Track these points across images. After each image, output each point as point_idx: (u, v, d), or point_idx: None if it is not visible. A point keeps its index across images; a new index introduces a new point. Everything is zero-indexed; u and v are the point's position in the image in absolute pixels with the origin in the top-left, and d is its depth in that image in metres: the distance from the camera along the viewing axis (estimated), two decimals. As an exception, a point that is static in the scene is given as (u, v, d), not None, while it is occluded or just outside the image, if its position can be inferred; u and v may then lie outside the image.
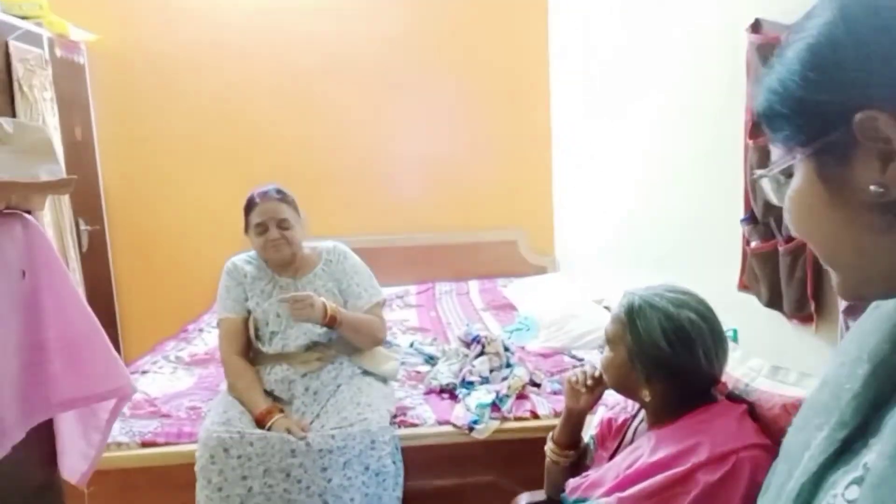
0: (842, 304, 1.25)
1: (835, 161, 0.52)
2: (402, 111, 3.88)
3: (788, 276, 1.52)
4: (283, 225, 1.94)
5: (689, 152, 2.13)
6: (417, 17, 3.79)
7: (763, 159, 1.57)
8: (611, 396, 1.62)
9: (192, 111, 3.73)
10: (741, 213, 1.72)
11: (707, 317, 1.20)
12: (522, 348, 2.60)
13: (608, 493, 1.16)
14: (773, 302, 1.62)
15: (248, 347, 2.00)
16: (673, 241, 2.30)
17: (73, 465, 1.37)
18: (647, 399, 1.20)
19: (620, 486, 1.15)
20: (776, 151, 0.58)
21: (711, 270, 1.99)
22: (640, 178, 2.61)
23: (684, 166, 2.17)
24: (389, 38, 3.79)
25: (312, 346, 1.96)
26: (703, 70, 2.04)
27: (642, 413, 1.34)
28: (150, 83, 3.69)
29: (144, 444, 1.92)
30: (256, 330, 1.98)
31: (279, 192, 1.98)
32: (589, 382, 1.33)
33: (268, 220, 1.93)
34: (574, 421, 1.39)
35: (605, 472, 1.21)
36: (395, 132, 3.89)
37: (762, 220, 1.61)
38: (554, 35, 3.83)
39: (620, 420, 1.36)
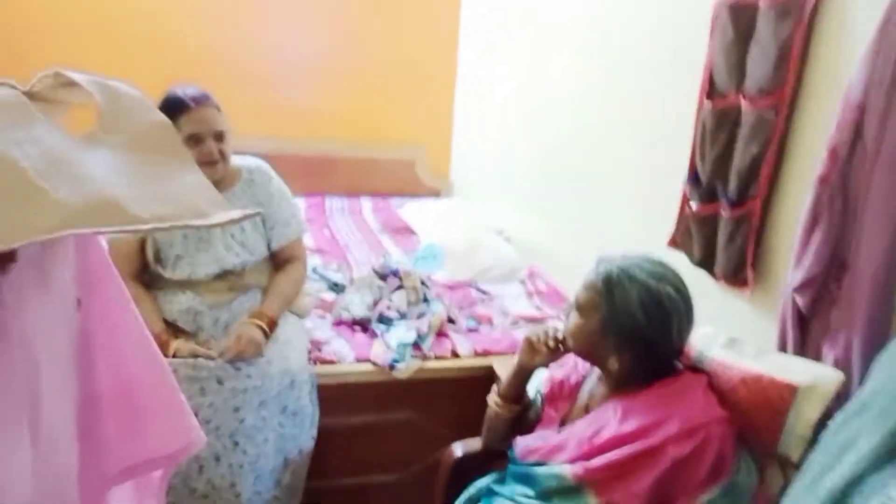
0: (792, 280, 1.30)
1: None
2: (295, 7, 3.50)
3: (727, 241, 1.57)
4: (220, 138, 1.67)
5: (634, 99, 2.09)
6: None
7: (719, 122, 1.57)
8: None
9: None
10: (683, 171, 1.73)
11: (683, 292, 1.20)
12: (429, 278, 2.54)
13: (572, 461, 1.16)
14: (705, 263, 1.67)
15: (143, 272, 1.74)
16: (599, 188, 2.29)
17: None
18: (615, 367, 1.20)
19: (586, 455, 1.15)
20: None
21: (638, 223, 2.03)
22: (566, 113, 2.55)
23: (626, 112, 2.12)
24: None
25: (223, 275, 1.74)
26: (658, 21, 1.98)
27: (594, 375, 1.34)
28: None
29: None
30: (157, 251, 1.72)
31: (210, 96, 1.68)
32: (551, 343, 1.30)
33: (204, 131, 1.64)
34: (524, 376, 1.37)
35: (567, 438, 1.20)
36: (287, 29, 3.51)
37: (707, 183, 1.63)
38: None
39: (572, 380, 1.36)
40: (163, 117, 0.73)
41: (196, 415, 1.53)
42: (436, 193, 3.87)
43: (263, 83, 3.54)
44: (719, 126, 1.57)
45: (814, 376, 1.12)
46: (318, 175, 3.67)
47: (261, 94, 3.54)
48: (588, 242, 2.35)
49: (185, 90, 1.67)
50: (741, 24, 1.50)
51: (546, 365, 1.35)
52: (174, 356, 1.59)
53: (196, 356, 1.60)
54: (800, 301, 1.29)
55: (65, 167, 0.58)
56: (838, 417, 0.72)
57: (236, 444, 1.60)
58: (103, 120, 0.66)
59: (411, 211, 3.45)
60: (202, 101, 1.66)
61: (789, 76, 1.39)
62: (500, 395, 1.40)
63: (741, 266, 1.54)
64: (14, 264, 0.67)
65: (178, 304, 1.70)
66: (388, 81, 3.72)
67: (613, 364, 1.19)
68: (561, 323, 1.37)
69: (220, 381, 1.58)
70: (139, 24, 3.28)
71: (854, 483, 0.62)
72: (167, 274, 1.71)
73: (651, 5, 2.00)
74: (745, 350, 1.24)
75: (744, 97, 1.50)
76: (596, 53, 2.31)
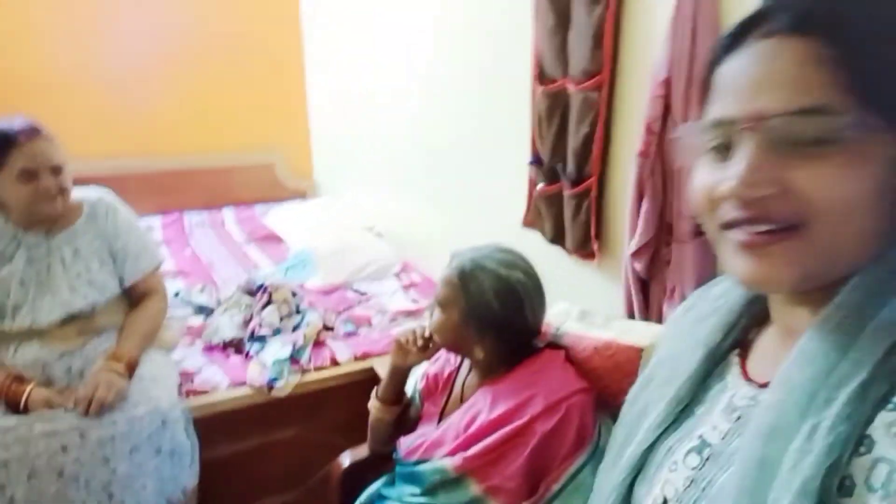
0: (629, 248, 1.40)
1: None
2: (139, 16, 3.28)
3: (573, 217, 1.66)
4: (57, 171, 1.54)
5: (478, 86, 2.15)
6: None
7: (551, 106, 1.65)
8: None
9: None
10: (528, 156, 1.81)
11: (532, 275, 1.26)
12: (301, 287, 2.49)
13: (452, 453, 1.20)
14: (557, 239, 1.76)
15: None
16: (455, 174, 2.35)
17: None
18: (480, 356, 1.24)
19: (464, 445, 1.19)
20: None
21: (495, 205, 2.10)
22: (416, 105, 2.58)
23: (472, 99, 2.18)
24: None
25: (70, 319, 1.62)
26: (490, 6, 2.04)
27: (466, 365, 1.38)
28: None
29: None
30: None
31: (41, 128, 1.54)
32: (419, 343, 1.33)
33: (39, 167, 1.51)
34: (399, 377, 1.39)
35: (445, 432, 1.24)
36: (131, 39, 3.29)
37: (548, 163, 1.71)
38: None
39: (446, 374, 1.39)
40: None
41: (61, 474, 1.45)
42: (301, 195, 3.80)
43: (97, 100, 3.30)
44: (552, 109, 1.66)
45: (653, 336, 1.22)
46: (173, 191, 3.50)
47: (96, 112, 3.30)
48: (454, 229, 2.41)
49: (12, 123, 1.53)
50: (559, 10, 1.58)
51: (419, 363, 1.38)
52: (25, 407, 1.47)
53: (51, 406, 1.49)
54: (637, 266, 1.40)
55: None
56: (633, 389, 0.77)
57: (111, 496, 1.50)
58: None
59: (276, 216, 3.36)
60: (32, 133, 1.53)
61: (605, 58, 1.48)
62: (378, 398, 1.42)
63: (587, 239, 1.64)
64: None
65: (22, 357, 1.56)
66: (234, 84, 3.59)
67: (479, 353, 1.24)
68: (427, 320, 1.40)
69: (82, 435, 1.47)
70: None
71: (648, 450, 0.67)
72: (6, 325, 1.56)
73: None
74: (595, 320, 1.32)
75: (570, 80, 1.58)
76: (441, 41, 2.35)
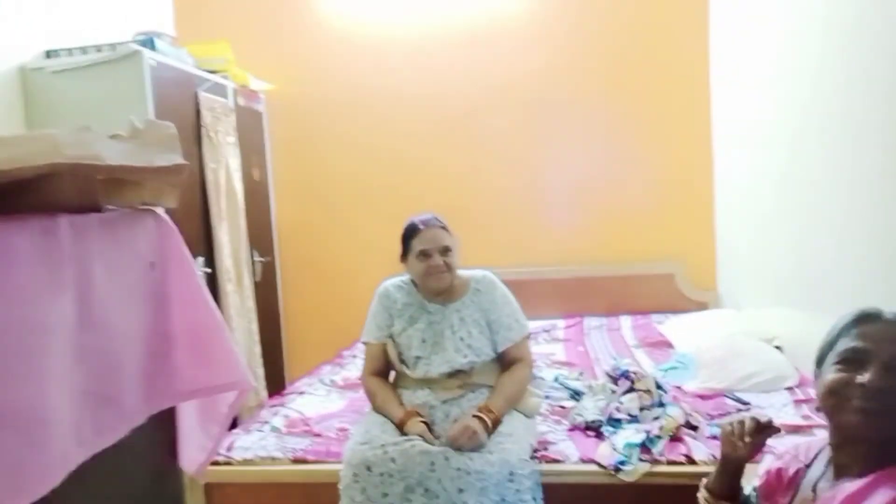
0: None
1: None
2: (555, 141, 3.86)
3: None
4: (445, 252, 1.98)
5: (871, 166, 1.87)
6: (573, 43, 3.78)
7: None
8: (781, 444, 1.44)
9: (357, 150, 3.99)
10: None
11: None
12: (678, 388, 2.40)
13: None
14: None
15: (387, 371, 2.07)
16: (857, 273, 2.02)
17: (192, 455, 1.42)
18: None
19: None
20: None
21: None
22: (812, 205, 2.35)
23: (864, 185, 1.91)
24: (544, 67, 3.80)
25: (454, 374, 1.96)
26: (875, 69, 1.80)
27: (819, 462, 1.16)
28: (320, 126, 4.01)
29: (296, 461, 2.01)
30: (399, 354, 2.02)
31: (438, 219, 2.04)
32: (747, 439, 1.19)
33: (432, 248, 1.97)
34: (731, 469, 1.25)
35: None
36: (548, 162, 3.89)
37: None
38: (715, 57, 3.62)
39: (792, 471, 1.19)
40: (173, 132, 1.22)
41: (426, 490, 1.69)
42: (703, 307, 3.67)
43: (530, 215, 3.89)
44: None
45: None
46: (577, 297, 3.82)
47: (527, 225, 3.89)
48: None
49: (419, 216, 2.04)
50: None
51: (752, 455, 1.22)
52: (406, 432, 1.82)
53: (422, 436, 1.79)
54: None
55: (87, 138, 1.01)
56: None
57: (461, 525, 1.69)
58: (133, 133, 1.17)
59: (672, 325, 3.33)
60: (428, 223, 2.01)
61: None
62: (707, 488, 1.29)
63: None
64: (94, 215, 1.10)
65: (417, 399, 1.95)
66: (644, 200, 3.79)
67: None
68: (751, 414, 1.24)
69: (446, 458, 1.71)
70: (429, 163, 3.95)
71: None
72: (409, 372, 1.98)
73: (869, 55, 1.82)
74: None
75: None
76: (831, 138, 2.13)
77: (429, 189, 3.89)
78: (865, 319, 1.10)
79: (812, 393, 2.22)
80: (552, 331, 3.50)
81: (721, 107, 3.57)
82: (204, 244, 3.09)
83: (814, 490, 1.13)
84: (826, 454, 1.15)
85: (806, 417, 2.06)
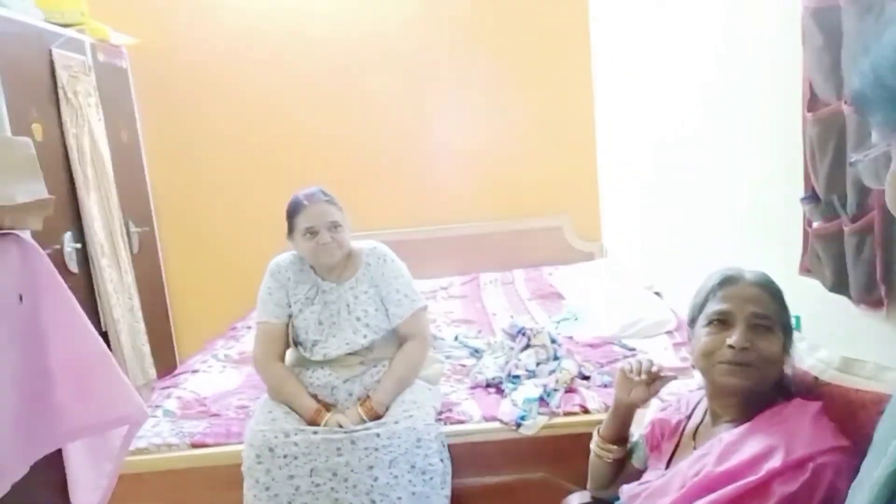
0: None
1: None
2: (440, 100, 3.83)
3: (855, 258, 1.41)
4: (333, 228, 1.89)
5: (743, 129, 2.01)
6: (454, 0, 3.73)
7: (824, 132, 1.46)
8: (663, 395, 1.54)
9: (232, 110, 3.77)
10: (801, 192, 1.60)
11: None
12: (570, 339, 2.52)
13: (675, 504, 1.09)
14: (839, 286, 1.50)
15: (284, 352, 1.98)
16: (729, 225, 2.18)
17: (84, 497, 1.30)
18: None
19: (686, 497, 1.07)
20: (875, 134, 0.57)
21: (771, 254, 1.88)
22: (689, 160, 2.49)
23: (738, 144, 2.05)
24: (425, 25, 3.74)
25: (353, 352, 1.92)
26: (754, 40, 1.92)
27: (699, 411, 1.26)
28: (192, 83, 3.74)
29: (194, 445, 1.93)
30: (296, 337, 1.96)
31: (325, 193, 1.93)
32: (643, 376, 1.26)
33: (318, 224, 1.87)
34: (622, 414, 1.33)
35: (670, 480, 1.14)
36: (433, 122, 3.85)
37: (825, 198, 1.50)
38: (595, 14, 3.71)
39: (674, 422, 1.28)
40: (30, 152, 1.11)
41: (335, 474, 1.70)
42: (589, 257, 3.85)
43: (419, 176, 3.87)
44: (825, 136, 1.46)
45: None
46: (471, 254, 3.88)
47: (417, 186, 3.87)
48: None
49: (304, 191, 1.93)
50: (827, 28, 1.41)
51: (644, 400, 1.30)
52: (325, 425, 1.79)
53: (340, 425, 1.78)
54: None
55: None
56: (886, 411, 0.68)
57: (373, 502, 1.71)
58: None
59: (561, 276, 3.48)
60: (313, 198, 1.90)
61: (884, 69, 1.27)
62: (599, 434, 1.37)
63: (872, 283, 1.37)
64: None
65: (317, 379, 1.90)
66: (531, 156, 3.86)
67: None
68: (646, 354, 1.32)
69: (353, 442, 1.72)
70: (312, 121, 3.79)
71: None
72: (306, 354, 1.94)
73: (744, 22, 1.93)
74: (864, 370, 1.10)
75: (845, 101, 1.39)
76: (708, 98, 2.26)
77: (313, 150, 3.77)
78: (728, 282, 1.18)
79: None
80: (449, 288, 3.56)
81: (601, 62, 3.68)
82: (71, 217, 2.84)
83: (693, 437, 1.24)
84: (704, 405, 1.25)
85: (684, 360, 2.23)
